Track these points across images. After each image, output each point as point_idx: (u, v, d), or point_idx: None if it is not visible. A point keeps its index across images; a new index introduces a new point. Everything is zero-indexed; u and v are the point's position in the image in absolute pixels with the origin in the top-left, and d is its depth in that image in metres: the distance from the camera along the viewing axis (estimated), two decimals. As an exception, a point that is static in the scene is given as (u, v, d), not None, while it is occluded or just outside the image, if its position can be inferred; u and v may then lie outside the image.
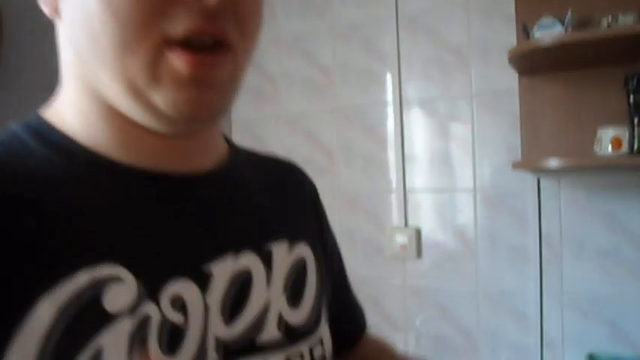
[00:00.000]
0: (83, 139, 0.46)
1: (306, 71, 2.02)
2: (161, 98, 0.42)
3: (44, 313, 0.37)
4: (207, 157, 0.53)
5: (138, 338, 0.41)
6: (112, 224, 0.43)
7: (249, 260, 0.51)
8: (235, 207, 0.53)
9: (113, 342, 0.39)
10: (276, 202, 0.59)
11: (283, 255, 0.55)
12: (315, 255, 0.60)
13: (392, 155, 1.88)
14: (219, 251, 0.48)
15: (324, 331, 0.56)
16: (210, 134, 0.54)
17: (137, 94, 0.42)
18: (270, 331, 0.50)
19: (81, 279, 0.39)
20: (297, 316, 0.53)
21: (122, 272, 0.41)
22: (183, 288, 0.44)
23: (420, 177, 1.84)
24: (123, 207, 0.45)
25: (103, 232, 0.42)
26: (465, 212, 1.77)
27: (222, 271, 0.48)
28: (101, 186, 0.45)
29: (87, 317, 0.39)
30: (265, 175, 0.61)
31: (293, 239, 0.57)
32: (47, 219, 0.40)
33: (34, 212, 0.40)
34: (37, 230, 0.39)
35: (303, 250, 0.58)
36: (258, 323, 0.49)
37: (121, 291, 0.41)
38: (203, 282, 0.46)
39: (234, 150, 0.60)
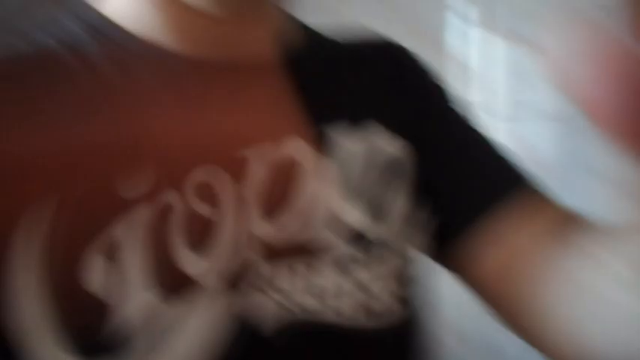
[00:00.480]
0: (124, 23, 0.41)
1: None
2: None
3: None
4: (254, 42, 0.45)
5: (157, 229, 0.36)
6: (129, 99, 0.39)
7: (295, 146, 0.42)
8: (280, 86, 0.45)
9: (128, 230, 0.35)
10: (345, 85, 0.48)
11: (344, 138, 0.45)
12: (395, 135, 0.47)
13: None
14: (258, 135, 0.41)
15: (390, 227, 0.45)
16: (267, 16, 0.45)
17: None
18: (320, 230, 0.41)
19: None
20: (355, 213, 0.43)
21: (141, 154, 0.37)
22: (212, 175, 0.38)
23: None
24: (143, 79, 0.40)
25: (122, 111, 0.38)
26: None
27: (261, 158, 0.40)
28: (126, 66, 0.40)
29: (98, 201, 0.35)
30: (335, 59, 0.50)
31: (359, 119, 0.46)
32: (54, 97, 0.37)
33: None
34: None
35: (374, 135, 0.46)
36: (306, 220, 0.41)
37: (138, 176, 0.36)
38: (237, 170, 0.39)
39: (308, 36, 0.50)
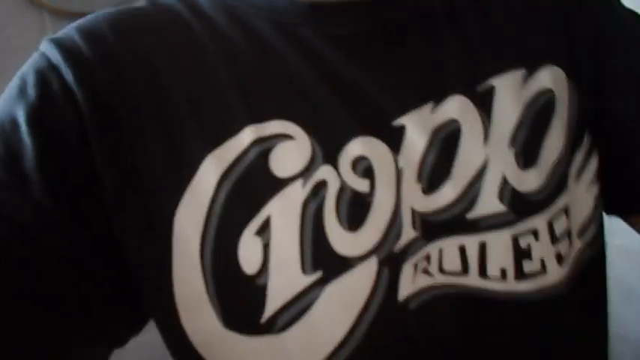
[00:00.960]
0: None
1: None
2: None
3: (209, 174, 0.34)
4: None
5: (311, 208, 0.34)
6: (278, 74, 0.36)
7: (456, 106, 0.37)
8: (437, 38, 0.39)
9: (282, 210, 0.33)
10: (501, 18, 0.42)
11: (513, 90, 0.39)
12: (572, 81, 0.41)
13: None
14: (414, 99, 0.37)
15: (572, 196, 0.40)
16: None
17: None
18: (489, 202, 0.37)
19: (246, 137, 0.34)
20: (530, 179, 0.38)
21: (293, 129, 0.35)
22: (368, 147, 0.35)
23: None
24: (287, 51, 0.37)
25: (269, 84, 0.36)
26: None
27: (419, 124, 0.36)
28: (263, 29, 0.37)
29: (253, 181, 0.34)
30: None
31: (532, 65, 0.40)
32: (207, 71, 0.36)
33: (194, 65, 0.36)
34: (198, 85, 0.35)
35: (549, 79, 0.40)
36: (472, 191, 0.37)
37: (291, 151, 0.34)
38: (394, 140, 0.36)
39: None
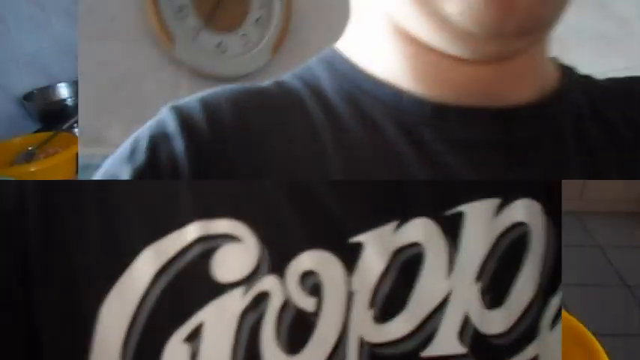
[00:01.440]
0: (371, 69, 0.39)
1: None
2: (454, 5, 0.31)
3: (145, 267, 0.30)
4: (519, 89, 0.38)
5: (249, 321, 0.31)
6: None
7: (420, 229, 0.34)
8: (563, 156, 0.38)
9: (217, 319, 0.31)
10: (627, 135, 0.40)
11: (484, 221, 0.35)
12: (551, 219, 0.38)
13: None
14: (375, 218, 0.34)
15: (543, 345, 0.36)
16: (529, 58, 0.38)
17: (423, 1, 0.33)
18: (447, 341, 0.34)
19: (191, 232, 0.31)
20: (496, 321, 0.35)
21: (241, 230, 0.32)
22: (320, 263, 0.32)
23: None
24: (406, 150, 0.36)
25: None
26: None
27: (378, 244, 0.34)
28: (385, 125, 0.37)
29: (191, 281, 0.31)
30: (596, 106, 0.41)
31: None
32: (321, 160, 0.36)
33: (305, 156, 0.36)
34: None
35: (523, 212, 0.36)
36: (429, 327, 0.34)
37: (236, 254, 0.31)
38: (349, 258, 0.33)
39: (568, 79, 0.42)
